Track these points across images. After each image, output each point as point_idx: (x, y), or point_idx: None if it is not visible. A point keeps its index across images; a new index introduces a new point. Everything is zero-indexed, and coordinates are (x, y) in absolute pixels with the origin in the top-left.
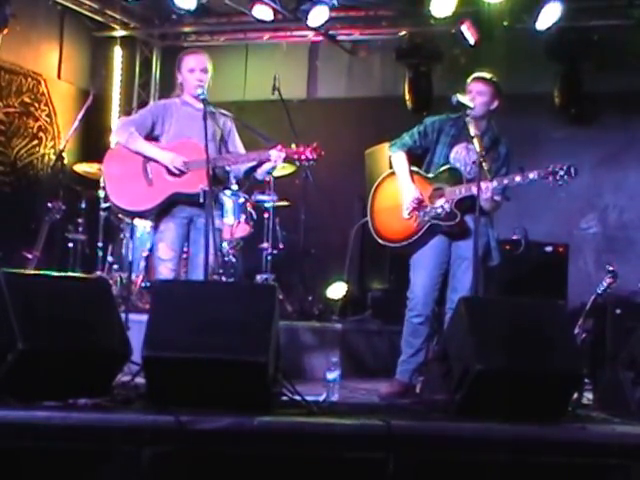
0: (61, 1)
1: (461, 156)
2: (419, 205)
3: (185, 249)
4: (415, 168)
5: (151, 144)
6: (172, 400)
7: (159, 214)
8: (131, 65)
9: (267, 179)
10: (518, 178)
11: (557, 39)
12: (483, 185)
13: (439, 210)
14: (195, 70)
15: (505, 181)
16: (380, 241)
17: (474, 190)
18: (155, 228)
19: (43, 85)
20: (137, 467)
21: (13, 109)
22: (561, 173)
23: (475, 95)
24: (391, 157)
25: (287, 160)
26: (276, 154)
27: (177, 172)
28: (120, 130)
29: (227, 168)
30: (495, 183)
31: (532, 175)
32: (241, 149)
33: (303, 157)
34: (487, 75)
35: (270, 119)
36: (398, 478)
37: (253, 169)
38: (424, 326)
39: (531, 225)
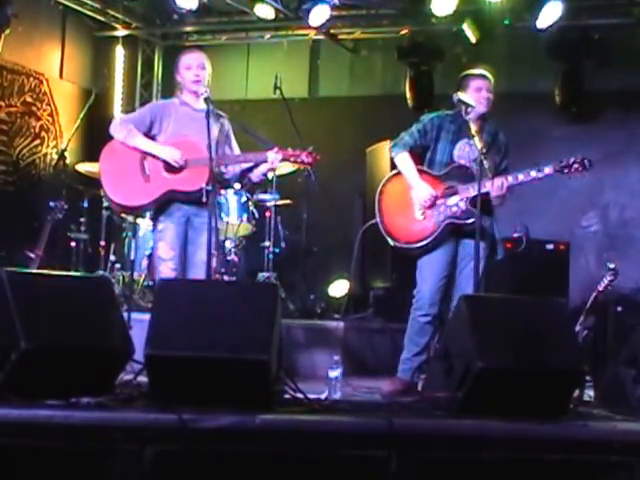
0: (63, 1)
1: (465, 153)
2: (433, 204)
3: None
4: (422, 167)
5: (149, 140)
6: (174, 398)
7: (157, 214)
8: (133, 65)
9: (266, 179)
10: (534, 173)
11: (558, 38)
12: (498, 181)
13: (454, 209)
14: (192, 67)
15: (521, 176)
16: (394, 243)
17: (488, 187)
18: (154, 228)
19: (45, 85)
20: (139, 466)
21: (15, 109)
22: (575, 165)
23: (487, 94)
24: (394, 159)
25: (283, 162)
26: (273, 156)
27: (177, 166)
28: (118, 127)
29: (222, 169)
30: (510, 179)
31: (548, 170)
32: (237, 150)
33: (299, 160)
34: (485, 71)
35: (272, 118)
36: (400, 476)
37: (249, 170)
38: (430, 325)
39: (532, 223)
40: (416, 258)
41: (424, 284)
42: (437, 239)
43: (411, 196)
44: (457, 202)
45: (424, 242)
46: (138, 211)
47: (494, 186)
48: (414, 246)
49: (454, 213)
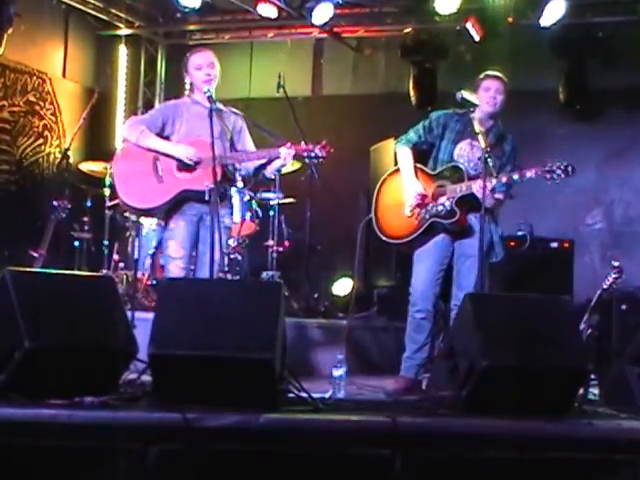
0: (66, 0)
1: (465, 152)
2: (422, 202)
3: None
4: (420, 165)
5: (162, 140)
6: (178, 398)
7: (169, 212)
8: (136, 63)
9: (279, 174)
10: (516, 176)
11: (562, 35)
12: (482, 183)
13: (440, 207)
14: (202, 67)
15: (504, 179)
16: (382, 237)
17: (474, 188)
18: (165, 226)
19: (48, 84)
20: (143, 465)
21: (18, 108)
22: (558, 172)
23: (495, 94)
24: (397, 153)
25: (296, 157)
26: (286, 151)
27: (191, 163)
28: (130, 129)
29: (237, 166)
30: (494, 181)
31: (529, 173)
32: (251, 148)
33: (312, 155)
34: (500, 74)
35: (275, 116)
36: (405, 475)
37: (262, 167)
38: (426, 321)
39: (537, 221)
40: (408, 254)
41: (417, 279)
42: (420, 237)
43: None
44: (443, 202)
45: (406, 239)
46: (153, 213)
47: (478, 188)
48: (396, 241)
49: (439, 212)
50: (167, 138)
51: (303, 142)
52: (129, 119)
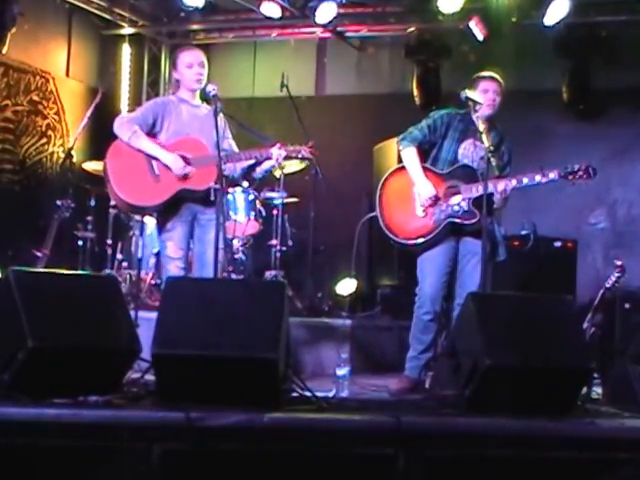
0: None
1: (469, 152)
2: (434, 202)
3: (190, 246)
4: (426, 164)
5: (154, 143)
6: (182, 397)
7: (164, 212)
8: (139, 63)
9: (268, 175)
10: (538, 177)
11: (565, 35)
12: (503, 184)
13: (456, 208)
14: (193, 65)
15: (525, 180)
16: (393, 238)
17: (492, 188)
18: (160, 227)
19: (51, 83)
20: (147, 464)
21: (22, 107)
22: (580, 173)
23: (494, 95)
24: (401, 152)
25: (286, 158)
26: (277, 152)
27: (180, 175)
28: (123, 127)
29: (222, 167)
30: (514, 182)
31: (552, 175)
32: (234, 146)
33: (300, 155)
34: (495, 74)
35: (279, 116)
36: (408, 474)
37: (251, 167)
38: (434, 322)
39: (540, 220)
40: (415, 255)
41: (425, 282)
42: (436, 237)
43: (413, 192)
44: (459, 202)
45: (423, 239)
46: (148, 211)
47: (498, 188)
48: (412, 242)
49: (456, 213)
50: (155, 135)
51: (289, 143)
52: (119, 117)
